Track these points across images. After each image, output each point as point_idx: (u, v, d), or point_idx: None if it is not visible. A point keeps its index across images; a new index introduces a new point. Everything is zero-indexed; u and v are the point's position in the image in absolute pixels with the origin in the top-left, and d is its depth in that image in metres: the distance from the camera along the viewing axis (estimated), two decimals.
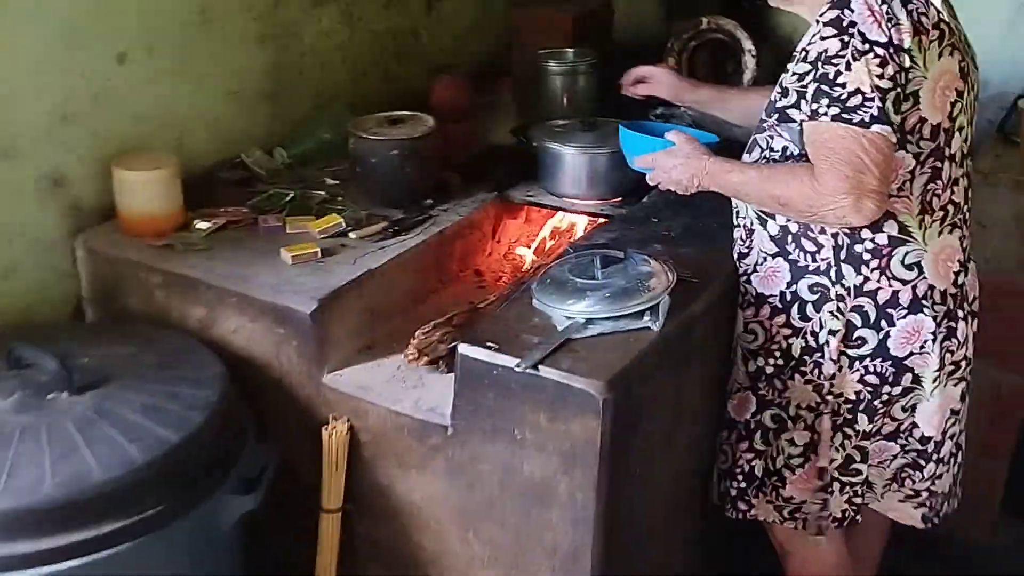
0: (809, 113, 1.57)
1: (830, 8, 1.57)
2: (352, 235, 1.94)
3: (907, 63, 1.54)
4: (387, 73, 2.68)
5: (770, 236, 1.75)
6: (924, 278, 1.67)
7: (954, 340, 1.73)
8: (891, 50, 1.52)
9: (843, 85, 1.53)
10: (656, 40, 3.08)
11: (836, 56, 1.54)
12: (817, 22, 1.59)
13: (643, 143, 1.89)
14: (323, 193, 2.14)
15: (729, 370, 1.88)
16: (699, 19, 2.87)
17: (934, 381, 1.73)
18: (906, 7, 1.55)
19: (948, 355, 1.72)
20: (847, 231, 1.65)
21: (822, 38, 1.56)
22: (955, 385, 1.77)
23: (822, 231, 1.68)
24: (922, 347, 1.70)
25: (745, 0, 3.00)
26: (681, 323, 1.66)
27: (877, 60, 1.52)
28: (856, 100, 1.52)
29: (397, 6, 2.67)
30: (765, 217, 1.74)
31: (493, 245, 2.25)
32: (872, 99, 1.51)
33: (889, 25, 1.53)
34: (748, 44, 2.83)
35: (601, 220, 2.15)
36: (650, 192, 2.07)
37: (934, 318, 1.68)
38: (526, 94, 2.69)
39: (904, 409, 1.76)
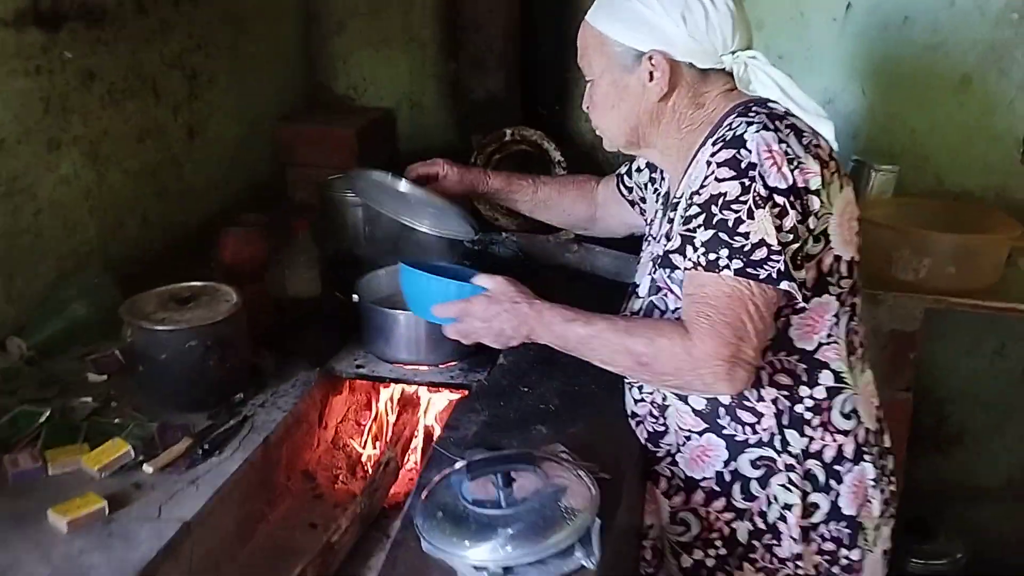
0: (702, 263, 1.33)
1: (723, 148, 1.36)
2: (147, 467, 1.43)
3: (816, 205, 1.35)
4: (147, 218, 2.17)
5: (695, 411, 1.47)
6: (861, 423, 1.50)
7: (885, 478, 1.56)
8: (792, 197, 1.32)
9: (746, 235, 1.30)
10: (451, 153, 2.79)
11: (736, 201, 1.32)
12: (709, 163, 1.37)
13: (442, 288, 1.51)
14: (89, 400, 1.61)
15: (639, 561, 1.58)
16: (502, 130, 2.61)
17: (876, 528, 1.55)
18: (802, 142, 1.37)
19: (881, 495, 1.55)
20: (784, 392, 1.44)
21: (717, 180, 1.34)
22: (886, 524, 1.60)
23: (760, 398, 1.43)
24: (867, 497, 1.52)
25: (543, 107, 2.80)
26: (611, 544, 1.32)
27: (776, 210, 1.32)
28: (761, 253, 1.30)
29: (154, 136, 2.17)
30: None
31: (320, 432, 1.81)
32: (779, 252, 1.30)
33: (791, 167, 1.33)
34: (556, 155, 2.61)
35: (453, 392, 1.79)
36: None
37: (873, 462, 1.51)
38: (317, 226, 2.29)
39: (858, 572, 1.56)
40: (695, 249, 1.34)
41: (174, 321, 1.56)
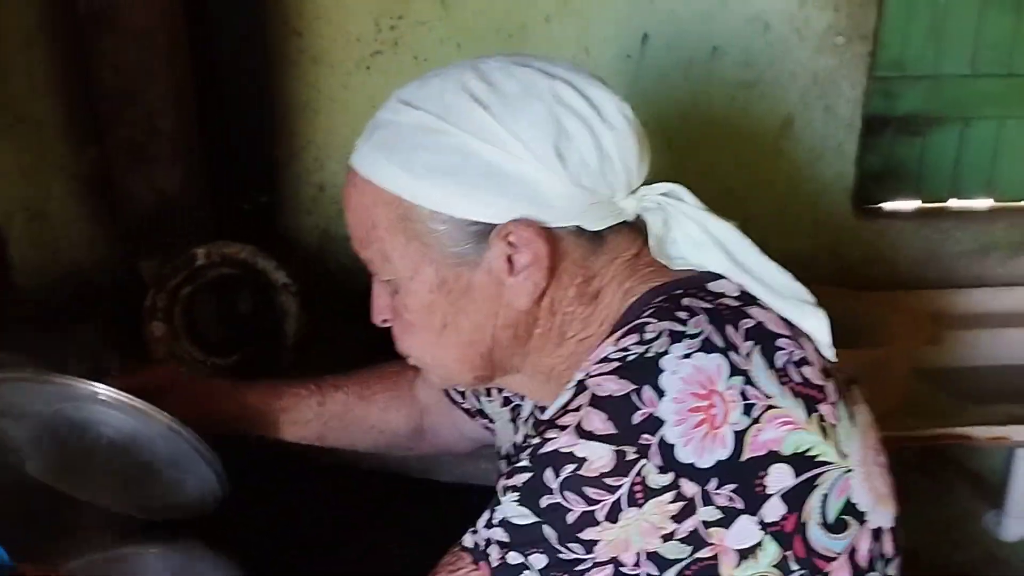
0: (491, 559, 0.77)
1: (616, 371, 0.76)
2: None
3: (789, 477, 0.75)
4: None
5: None
6: None
7: None
8: (720, 480, 0.73)
9: (588, 545, 0.74)
10: (111, 291, 1.83)
11: (595, 483, 0.73)
12: (580, 385, 0.78)
13: None
14: None
15: None
16: (191, 251, 1.71)
17: None
18: (772, 363, 0.78)
19: None
20: None
21: (580, 430, 0.74)
22: None
23: None
24: None
25: (243, 203, 1.92)
26: None
27: (678, 506, 0.73)
28: None
29: None
30: None
31: None
32: None
33: (744, 425, 0.74)
34: (280, 276, 1.75)
35: None
36: None
37: None
38: None
39: None
40: (488, 524, 0.78)
41: None
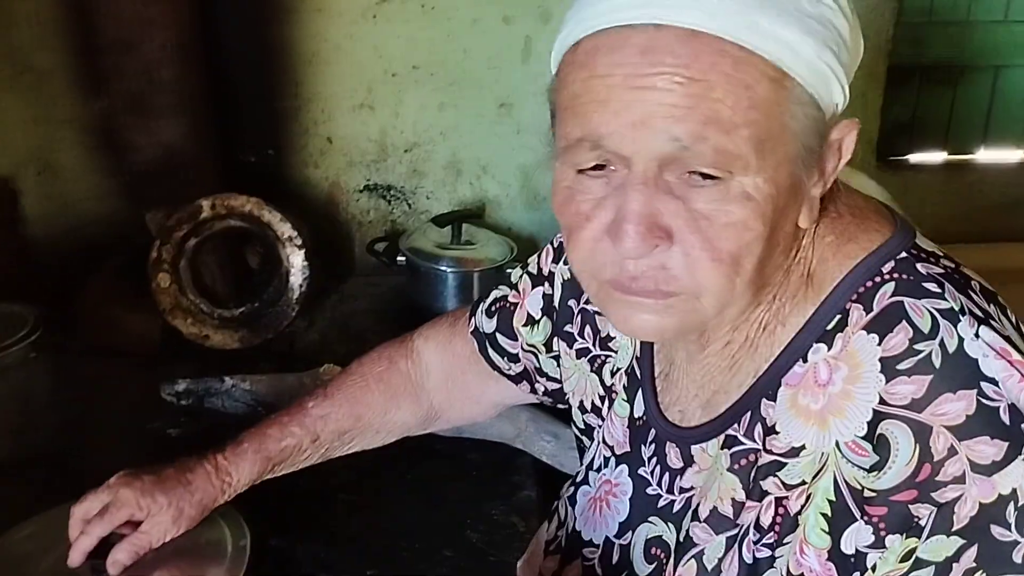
0: None
1: (935, 398, 0.65)
2: None
3: None
4: None
5: None
6: None
7: None
8: None
9: None
10: (123, 241, 1.83)
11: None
12: (928, 432, 0.64)
13: None
14: None
15: None
16: (196, 203, 1.70)
17: None
18: (1016, 324, 0.71)
19: None
20: None
21: (982, 470, 0.63)
22: None
23: None
24: None
25: (248, 155, 1.90)
26: None
27: None
28: None
29: None
30: None
31: None
32: None
33: None
34: (287, 229, 1.74)
35: None
36: None
37: None
38: None
39: None
40: None
41: None
